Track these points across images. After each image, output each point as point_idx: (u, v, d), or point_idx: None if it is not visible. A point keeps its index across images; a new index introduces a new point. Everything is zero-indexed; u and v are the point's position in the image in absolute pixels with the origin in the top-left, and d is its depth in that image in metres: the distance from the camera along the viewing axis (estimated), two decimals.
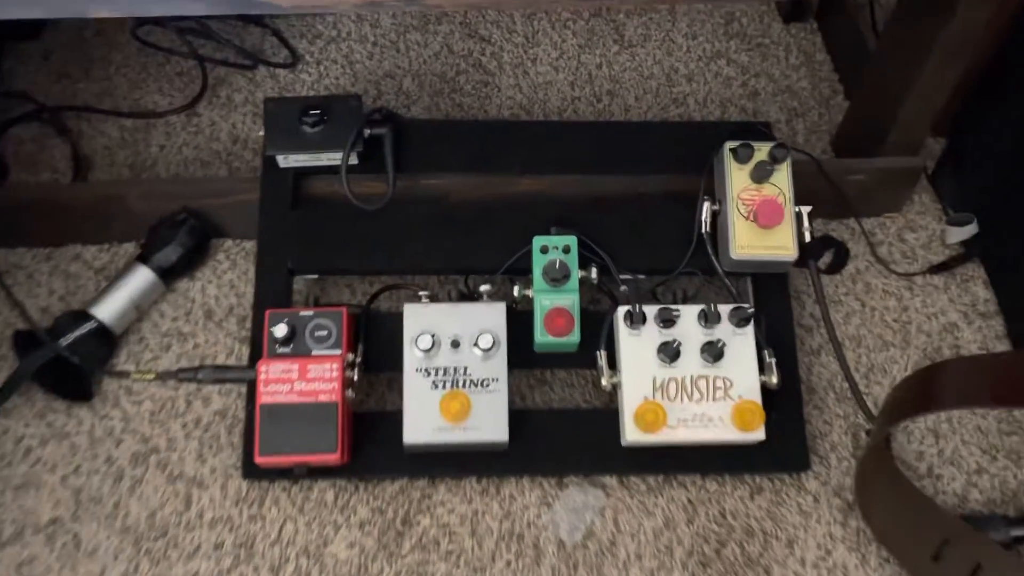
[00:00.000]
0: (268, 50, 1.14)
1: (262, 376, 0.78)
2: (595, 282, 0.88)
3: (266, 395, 0.78)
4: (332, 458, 0.78)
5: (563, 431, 0.86)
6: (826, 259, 0.88)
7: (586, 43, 1.16)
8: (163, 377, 0.81)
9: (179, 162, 1.04)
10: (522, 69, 1.14)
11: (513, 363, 0.86)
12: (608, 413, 0.86)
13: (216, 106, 1.09)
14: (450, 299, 0.85)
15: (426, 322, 0.82)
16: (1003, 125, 0.96)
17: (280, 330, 0.79)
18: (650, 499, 0.85)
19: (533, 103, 1.11)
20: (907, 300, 0.97)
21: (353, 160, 0.90)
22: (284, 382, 0.78)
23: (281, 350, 0.81)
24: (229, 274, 0.96)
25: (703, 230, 0.89)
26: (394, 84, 1.12)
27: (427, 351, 0.81)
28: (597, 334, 0.85)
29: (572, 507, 0.85)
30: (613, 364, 0.85)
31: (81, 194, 0.97)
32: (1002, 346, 0.95)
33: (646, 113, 1.11)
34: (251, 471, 0.82)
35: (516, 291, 0.87)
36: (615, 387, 0.84)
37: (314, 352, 0.81)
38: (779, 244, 0.86)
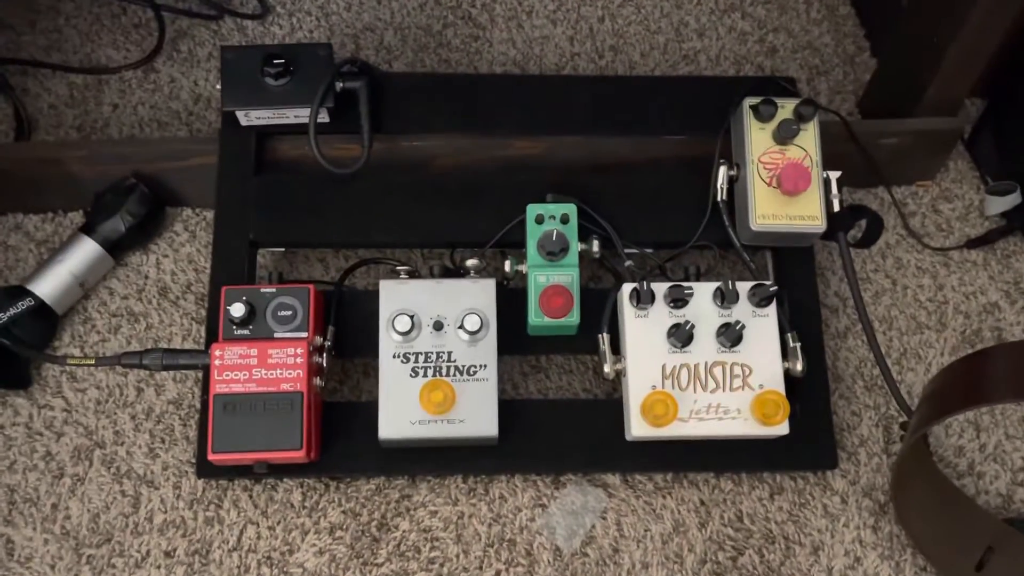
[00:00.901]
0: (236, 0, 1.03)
1: (216, 362, 0.69)
2: (597, 256, 0.78)
3: (221, 384, 0.68)
4: (297, 455, 0.68)
5: (560, 424, 0.76)
6: (857, 231, 0.78)
7: None
8: (104, 363, 0.71)
9: (134, 123, 0.94)
10: (516, 22, 1.03)
11: (504, 348, 0.76)
12: (611, 404, 0.76)
13: (176, 61, 0.98)
14: (433, 275, 0.75)
15: (405, 301, 0.72)
16: None
17: (237, 309, 0.70)
18: (658, 500, 0.76)
19: (528, 60, 1.01)
20: (943, 277, 0.87)
21: (323, 118, 0.80)
22: (242, 369, 0.69)
23: (239, 332, 0.71)
24: (187, 247, 0.86)
25: (719, 198, 0.80)
26: (374, 38, 1.01)
27: (406, 334, 0.71)
28: (599, 315, 0.76)
29: (570, 509, 0.75)
30: (617, 349, 0.75)
31: (21, 157, 0.86)
32: None
33: (652, 71, 1.00)
34: (206, 469, 0.72)
35: (508, 266, 0.77)
36: (619, 375, 0.74)
37: (277, 335, 0.71)
38: (805, 213, 0.76)
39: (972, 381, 0.66)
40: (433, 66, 1.00)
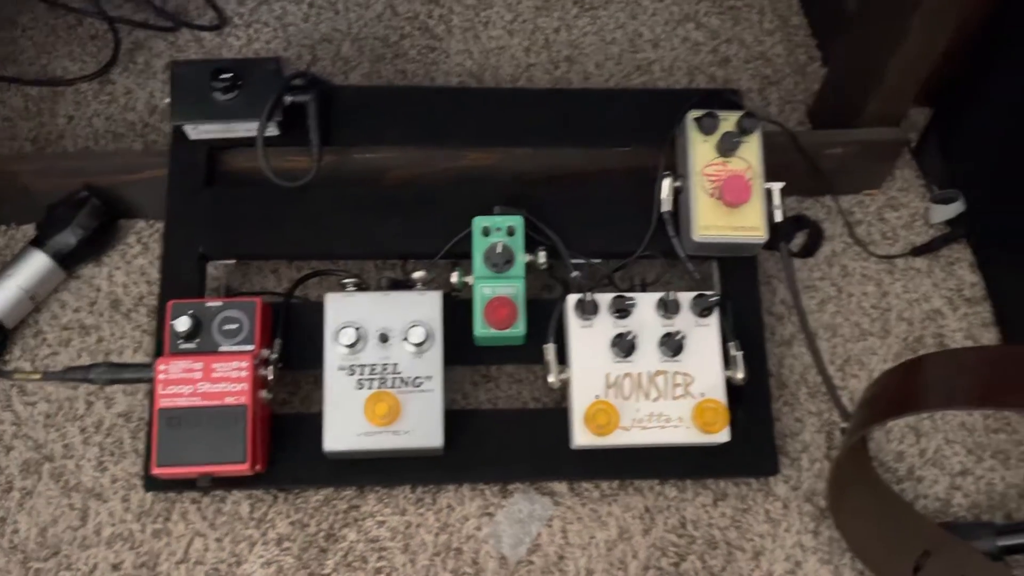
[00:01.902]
0: (193, 11, 1.03)
1: (161, 376, 0.69)
2: (543, 267, 0.79)
3: (165, 398, 0.69)
4: (241, 468, 0.69)
5: (508, 433, 0.77)
6: (798, 241, 0.80)
7: (543, 5, 1.06)
8: (50, 378, 0.71)
9: (89, 135, 0.94)
10: (473, 33, 1.04)
11: (452, 358, 0.77)
12: (559, 413, 0.77)
13: (132, 72, 0.98)
14: (380, 287, 0.76)
15: (351, 314, 0.73)
16: (994, 95, 0.88)
17: (182, 324, 0.70)
18: (603, 507, 0.77)
19: (484, 70, 1.02)
20: (887, 285, 0.89)
21: (273, 131, 0.80)
22: (186, 383, 0.69)
23: (185, 346, 0.71)
24: (140, 259, 0.86)
25: (664, 209, 0.81)
26: (331, 49, 1.02)
27: (351, 346, 0.72)
28: (547, 326, 0.77)
29: (516, 518, 0.76)
30: (563, 359, 0.76)
31: None
32: (989, 334, 0.87)
33: (607, 81, 1.01)
34: (153, 483, 0.73)
35: (455, 278, 0.78)
36: (565, 384, 0.75)
37: (222, 348, 0.71)
38: (747, 224, 0.78)
39: (906, 388, 0.68)
40: (389, 77, 1.01)
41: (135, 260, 0.86)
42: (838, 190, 0.93)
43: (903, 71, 0.84)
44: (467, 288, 0.78)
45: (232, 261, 0.83)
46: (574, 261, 0.80)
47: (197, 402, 0.69)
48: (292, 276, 0.86)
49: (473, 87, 0.99)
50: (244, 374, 0.69)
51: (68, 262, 0.83)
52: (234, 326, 0.72)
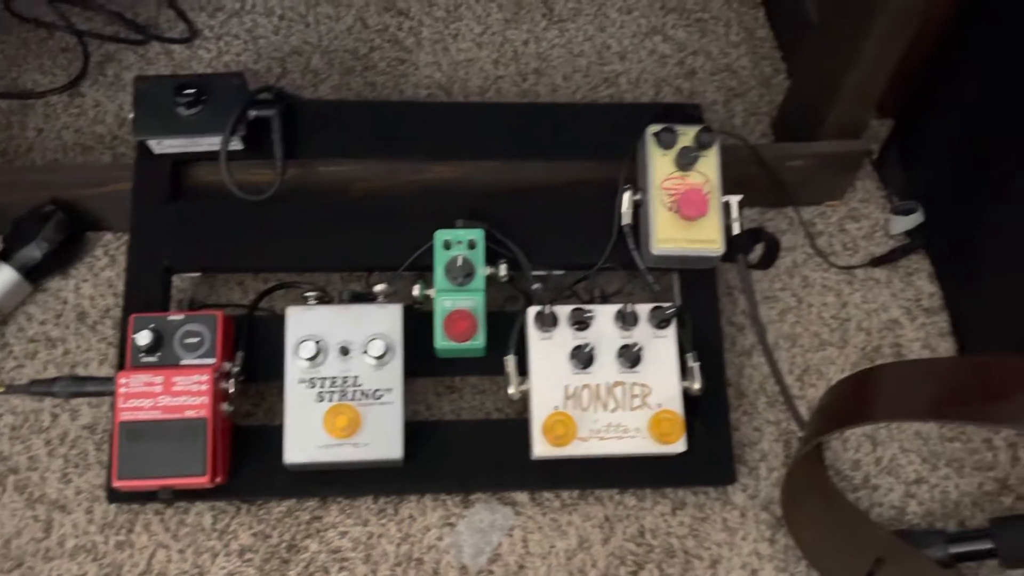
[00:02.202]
0: (163, 24, 1.04)
1: (122, 390, 0.70)
2: (505, 280, 0.80)
3: (126, 411, 0.70)
4: (200, 480, 0.69)
5: (470, 444, 0.78)
6: (756, 253, 0.81)
7: (513, 17, 1.08)
8: (13, 391, 0.72)
9: (57, 147, 0.95)
10: (442, 45, 1.05)
11: (416, 370, 0.79)
12: (521, 423, 0.78)
13: (102, 85, 0.99)
14: (342, 300, 0.77)
15: (311, 327, 0.74)
16: (952, 107, 0.89)
17: (143, 337, 0.71)
18: (564, 517, 0.78)
19: (453, 82, 1.03)
20: (847, 295, 0.90)
21: (237, 145, 0.81)
22: (147, 396, 0.70)
23: (146, 360, 0.72)
24: (107, 271, 0.87)
25: (625, 222, 0.82)
26: (301, 61, 1.02)
27: (311, 359, 0.73)
28: (509, 337, 0.78)
29: (478, 528, 0.77)
30: (524, 370, 0.77)
31: None
32: (946, 343, 0.89)
33: (574, 93, 1.03)
34: (116, 495, 0.74)
35: (416, 290, 0.79)
36: (525, 396, 0.76)
37: (184, 361, 0.72)
38: (704, 237, 0.79)
39: (858, 399, 0.69)
40: (359, 89, 1.02)
41: (102, 272, 0.87)
42: (800, 201, 0.94)
43: (861, 84, 0.85)
44: (429, 300, 0.79)
45: (197, 274, 0.84)
46: (535, 273, 0.81)
47: (158, 415, 0.70)
48: (259, 288, 0.87)
49: (437, 101, 1.00)
50: (204, 387, 0.70)
51: (34, 275, 0.83)
52: (195, 339, 0.73)
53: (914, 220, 0.92)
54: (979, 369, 0.63)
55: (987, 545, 0.73)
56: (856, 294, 0.91)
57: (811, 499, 0.76)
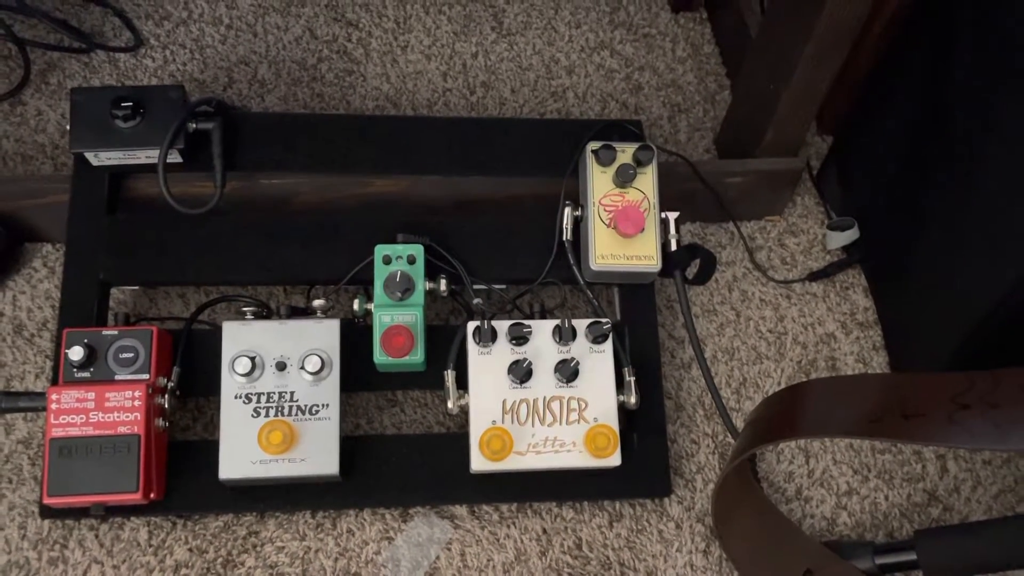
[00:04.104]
0: (109, 32, 1.03)
1: (53, 406, 0.69)
2: (445, 295, 0.81)
3: (57, 427, 0.69)
4: (133, 497, 0.69)
5: (408, 458, 0.79)
6: (693, 269, 0.83)
7: (462, 30, 1.08)
8: None
9: None
10: (391, 57, 1.05)
11: (356, 384, 0.79)
12: (460, 437, 0.79)
13: (45, 94, 0.98)
14: (279, 315, 0.77)
15: (248, 342, 0.74)
16: (887, 125, 0.92)
17: (76, 353, 0.70)
18: (502, 530, 0.79)
19: (401, 94, 1.03)
20: (784, 309, 0.92)
21: (176, 158, 0.81)
22: (79, 412, 0.69)
23: (80, 375, 0.72)
24: (45, 283, 0.86)
25: (565, 237, 0.83)
26: (248, 72, 1.02)
27: (247, 375, 0.73)
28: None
29: (416, 541, 0.78)
30: (463, 385, 0.78)
31: None
32: (879, 357, 0.91)
33: (522, 107, 1.04)
34: (48, 511, 0.73)
35: (356, 305, 0.79)
36: (463, 410, 0.77)
37: (118, 377, 0.72)
38: (641, 253, 0.80)
39: (786, 414, 0.70)
40: (306, 100, 1.01)
41: (40, 284, 0.86)
42: (741, 216, 0.96)
43: (796, 102, 0.87)
44: (369, 315, 0.79)
45: (135, 287, 0.83)
46: (476, 288, 0.82)
47: (90, 431, 0.69)
48: (199, 300, 0.86)
49: (379, 115, 1.00)
50: (138, 403, 0.70)
51: None
52: (130, 355, 0.72)
53: (850, 236, 0.95)
54: (897, 387, 0.65)
55: (912, 557, 0.75)
56: (793, 308, 0.92)
57: (742, 511, 0.77)
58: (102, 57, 1.01)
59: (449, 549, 0.78)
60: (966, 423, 0.60)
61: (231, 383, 0.73)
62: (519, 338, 0.77)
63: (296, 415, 0.73)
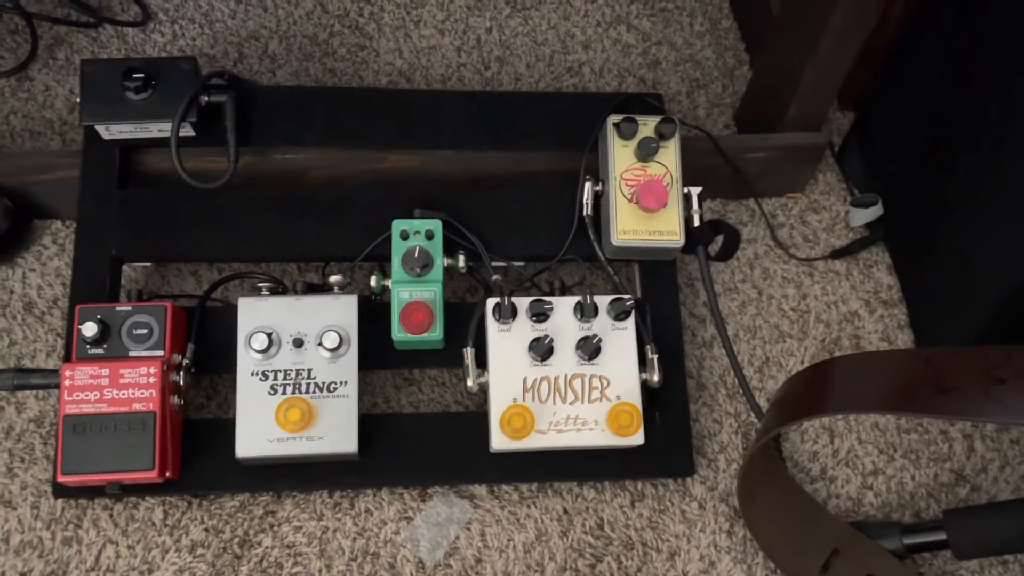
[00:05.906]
0: (117, 6, 1.01)
1: (67, 383, 0.68)
2: (463, 271, 0.79)
3: (71, 404, 0.68)
4: (149, 475, 0.68)
5: (427, 437, 0.77)
6: (716, 245, 0.81)
7: (476, 4, 1.06)
8: None
9: (5, 133, 0.92)
10: (403, 32, 1.03)
11: (373, 362, 0.78)
12: (479, 416, 0.77)
13: (52, 69, 0.96)
14: (295, 292, 0.75)
15: (264, 318, 0.73)
16: (911, 100, 0.90)
17: (89, 329, 0.69)
18: (522, 510, 0.78)
19: (414, 70, 1.01)
20: (807, 287, 0.91)
21: (189, 132, 0.79)
22: (93, 389, 0.68)
23: (93, 351, 0.70)
24: (55, 260, 0.85)
25: (585, 213, 0.81)
26: (258, 47, 1.00)
27: (264, 351, 0.71)
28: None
29: (435, 521, 0.76)
30: (482, 363, 0.76)
31: None
32: (904, 336, 0.89)
33: (537, 83, 1.02)
34: (62, 490, 0.72)
35: (373, 281, 0.77)
36: (483, 388, 0.75)
37: (132, 353, 0.70)
38: (664, 229, 0.78)
39: (813, 391, 0.69)
40: (317, 76, 1.00)
41: (50, 262, 0.85)
42: (761, 193, 0.94)
43: (820, 76, 0.85)
44: (386, 292, 0.78)
45: (148, 264, 0.82)
46: (495, 264, 0.80)
47: (104, 408, 0.68)
48: (212, 278, 0.85)
49: (395, 88, 0.98)
50: (153, 380, 0.68)
51: None
52: (144, 331, 0.71)
53: (874, 213, 0.93)
54: (930, 362, 0.63)
55: (940, 536, 0.74)
56: (816, 286, 0.91)
57: (768, 491, 0.76)
58: (110, 32, 1.00)
59: (469, 529, 0.76)
60: (1003, 397, 0.58)
61: (247, 360, 0.72)
62: (540, 315, 0.75)
63: (314, 392, 0.72)
